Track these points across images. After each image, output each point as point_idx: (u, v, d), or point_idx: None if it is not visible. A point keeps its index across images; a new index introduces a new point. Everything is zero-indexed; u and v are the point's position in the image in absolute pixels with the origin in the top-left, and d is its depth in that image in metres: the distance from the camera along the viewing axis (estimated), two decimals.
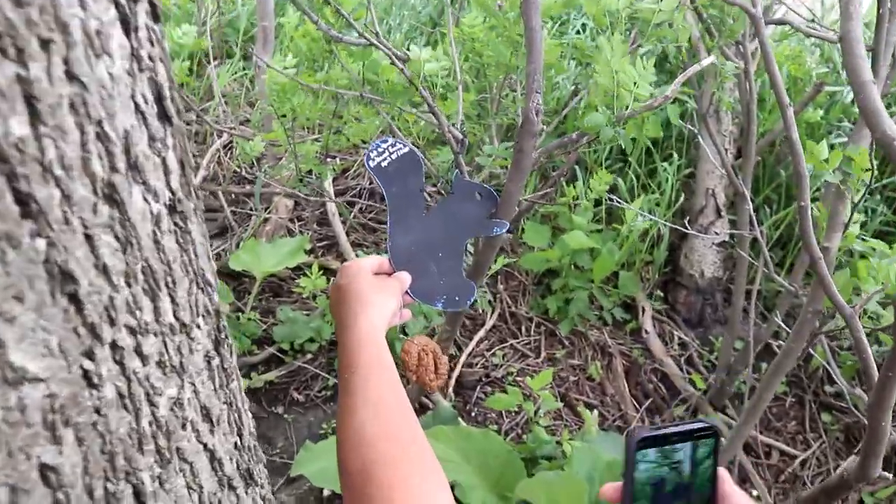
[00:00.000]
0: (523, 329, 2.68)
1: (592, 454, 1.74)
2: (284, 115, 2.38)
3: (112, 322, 0.46)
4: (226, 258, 2.85)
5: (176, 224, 0.53)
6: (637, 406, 2.42)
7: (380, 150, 1.06)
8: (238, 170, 3.50)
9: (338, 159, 3.46)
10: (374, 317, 0.84)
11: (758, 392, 1.34)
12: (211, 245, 3.16)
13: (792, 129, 0.86)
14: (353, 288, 0.89)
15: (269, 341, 2.48)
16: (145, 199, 0.48)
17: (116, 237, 0.45)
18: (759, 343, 2.28)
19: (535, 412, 2.06)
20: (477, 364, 2.49)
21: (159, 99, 0.49)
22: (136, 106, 0.46)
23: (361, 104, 1.94)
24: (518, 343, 2.61)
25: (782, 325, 1.85)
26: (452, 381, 2.38)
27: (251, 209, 3.21)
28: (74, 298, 0.44)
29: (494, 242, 1.47)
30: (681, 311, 2.84)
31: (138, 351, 0.49)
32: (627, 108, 1.27)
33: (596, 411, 2.37)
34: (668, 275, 2.92)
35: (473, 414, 2.29)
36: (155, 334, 0.50)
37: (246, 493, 0.68)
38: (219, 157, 3.64)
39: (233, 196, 3.36)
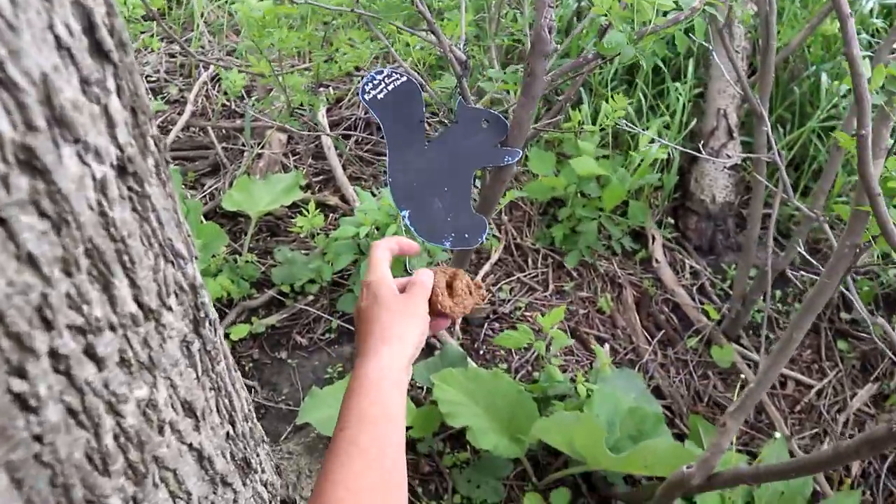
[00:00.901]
0: (530, 261, 2.60)
1: (614, 399, 1.68)
2: (273, 45, 2.22)
3: (48, 325, 0.36)
4: (219, 198, 2.73)
5: (130, 189, 0.42)
6: (649, 338, 2.36)
7: (375, 81, 0.96)
8: (227, 103, 3.34)
9: (331, 88, 3.30)
10: (388, 358, 0.75)
11: (788, 332, 1.26)
12: (203, 184, 3.05)
13: (853, 44, 0.74)
14: (372, 315, 0.79)
15: (269, 283, 2.40)
16: (82, 162, 0.36)
17: (43, 216, 0.35)
18: (776, 272, 2.19)
19: (547, 348, 1.99)
20: (483, 300, 2.41)
21: (90, 29, 0.37)
22: (58, 40, 0.34)
23: (354, 28, 1.79)
24: (525, 276, 2.53)
25: (804, 253, 1.76)
26: (459, 318, 2.31)
27: (243, 145, 3.08)
28: None
29: (503, 175, 1.36)
30: (691, 238, 2.75)
31: (90, 354, 0.39)
32: (650, 22, 1.14)
33: (607, 345, 2.31)
34: (677, 200, 2.81)
35: (482, 352, 2.23)
36: (112, 329, 0.40)
37: (244, 484, 0.60)
38: (206, 90, 3.47)
39: (223, 131, 3.22)
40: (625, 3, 1.12)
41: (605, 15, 1.13)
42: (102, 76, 0.38)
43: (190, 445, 0.50)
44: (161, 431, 0.45)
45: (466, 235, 0.98)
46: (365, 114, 3.16)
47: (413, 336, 0.79)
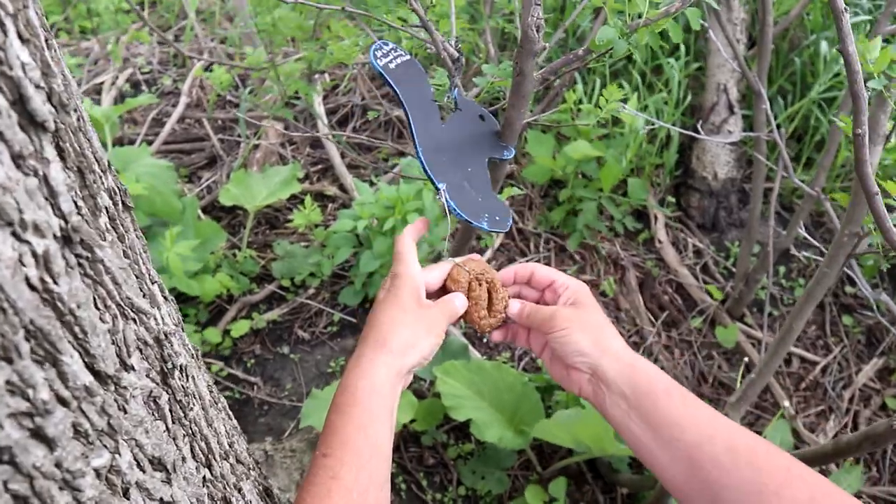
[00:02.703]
0: (532, 246, 2.58)
1: None
2: (274, 26, 2.18)
3: None
4: (216, 191, 2.72)
5: (78, 256, 0.40)
6: (653, 320, 2.35)
7: (384, 50, 0.90)
8: (222, 93, 3.31)
9: (326, 76, 3.26)
10: (385, 370, 0.68)
11: (788, 321, 1.24)
12: (200, 177, 3.03)
13: (848, 41, 0.71)
14: (386, 311, 0.73)
15: (269, 278, 2.39)
16: (20, 240, 0.35)
17: None
18: (779, 251, 2.17)
19: None
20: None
21: (21, 101, 0.35)
22: None
23: (341, 21, 1.76)
24: (528, 261, 2.51)
25: (806, 235, 1.74)
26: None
27: (239, 136, 3.05)
28: None
29: (497, 175, 1.34)
30: (694, 215, 2.72)
31: (39, 435, 0.38)
32: (641, 16, 1.11)
33: None
34: (679, 178, 2.77)
35: (485, 339, 2.23)
36: (64, 404, 0.39)
37: None
38: (200, 80, 3.45)
39: (219, 122, 3.20)
40: None
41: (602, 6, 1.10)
42: (39, 146, 0.37)
43: (161, 500, 0.49)
44: (126, 494, 0.44)
45: (497, 218, 0.89)
46: (361, 100, 3.13)
47: (423, 350, 0.72)
